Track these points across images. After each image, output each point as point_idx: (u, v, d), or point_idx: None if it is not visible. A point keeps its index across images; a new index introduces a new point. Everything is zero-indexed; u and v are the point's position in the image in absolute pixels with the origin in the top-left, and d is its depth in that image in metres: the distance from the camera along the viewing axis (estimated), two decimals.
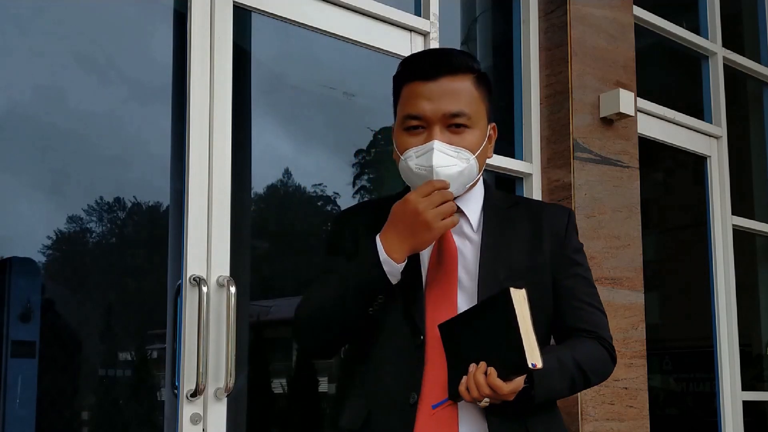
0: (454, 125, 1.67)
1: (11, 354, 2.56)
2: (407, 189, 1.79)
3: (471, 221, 1.74)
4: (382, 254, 1.60)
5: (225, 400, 2.47)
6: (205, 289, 2.42)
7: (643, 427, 3.41)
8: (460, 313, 1.64)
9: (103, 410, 2.79)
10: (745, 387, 4.30)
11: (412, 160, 1.67)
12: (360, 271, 1.63)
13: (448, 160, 1.65)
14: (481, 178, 1.80)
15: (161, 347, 2.76)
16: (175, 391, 2.46)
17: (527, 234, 1.75)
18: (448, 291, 1.68)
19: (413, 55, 1.78)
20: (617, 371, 3.35)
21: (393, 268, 1.60)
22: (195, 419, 2.41)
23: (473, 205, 1.76)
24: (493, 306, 1.55)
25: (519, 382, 1.54)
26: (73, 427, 2.75)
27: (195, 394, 2.38)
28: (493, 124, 1.78)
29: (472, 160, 1.68)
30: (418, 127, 1.68)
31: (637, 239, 3.55)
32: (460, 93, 1.68)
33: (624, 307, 3.43)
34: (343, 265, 1.71)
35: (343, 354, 1.90)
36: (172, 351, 2.59)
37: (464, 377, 1.55)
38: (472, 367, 1.54)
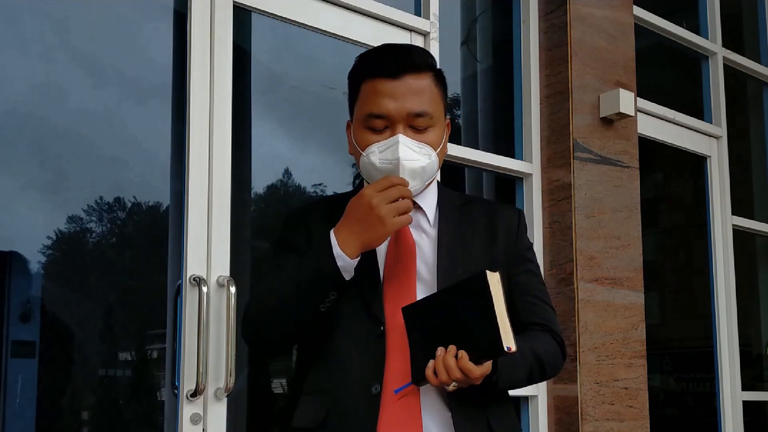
0: (416, 125, 1.68)
1: (11, 354, 2.56)
2: (361, 186, 1.80)
3: (428, 216, 1.76)
4: (336, 249, 1.58)
5: (225, 400, 2.47)
6: (205, 289, 2.42)
7: (643, 427, 3.41)
8: (426, 297, 1.63)
9: (103, 410, 2.79)
10: (745, 387, 4.30)
11: (375, 155, 1.67)
12: (313, 266, 1.61)
13: (413, 155, 1.66)
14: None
15: (161, 347, 2.76)
16: (175, 391, 2.46)
17: (483, 230, 1.78)
18: (407, 283, 1.69)
19: (372, 52, 1.76)
20: (618, 371, 3.36)
21: (346, 263, 1.59)
22: (195, 419, 2.41)
23: (429, 200, 1.78)
24: (466, 289, 1.53)
25: (488, 365, 1.54)
26: (73, 427, 2.75)
27: (195, 394, 2.38)
28: (448, 120, 1.80)
29: (434, 156, 1.70)
30: (382, 126, 1.68)
31: (637, 239, 3.55)
32: (423, 92, 1.69)
33: (624, 307, 3.43)
34: (294, 261, 1.69)
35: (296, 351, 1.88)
36: (172, 351, 2.59)
37: (431, 361, 1.53)
38: (440, 350, 1.53)
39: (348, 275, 1.60)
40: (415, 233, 1.73)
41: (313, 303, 1.61)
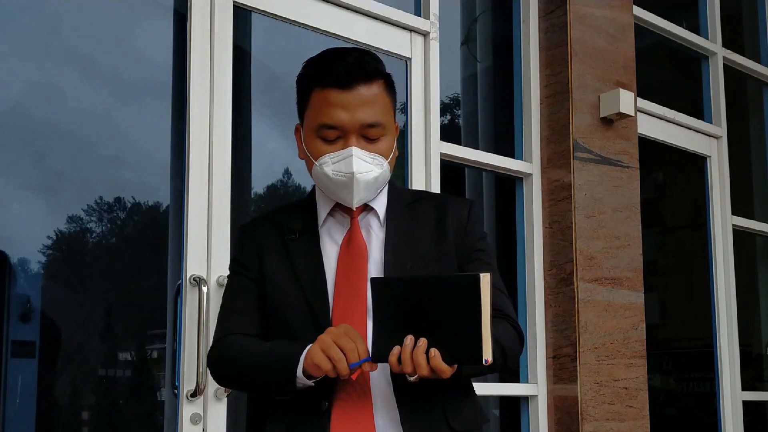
0: (369, 135, 1.69)
1: (11, 354, 2.55)
2: (313, 193, 1.82)
3: (379, 215, 1.77)
4: (299, 369, 1.58)
5: (225, 400, 2.47)
6: (205, 289, 2.42)
7: (643, 427, 3.41)
8: (403, 277, 1.61)
9: (103, 410, 2.79)
10: (745, 387, 4.31)
11: (328, 166, 1.68)
12: (274, 371, 1.62)
13: (366, 167, 1.68)
14: None
15: (161, 347, 2.76)
16: (175, 391, 2.46)
17: (432, 224, 1.78)
18: (359, 286, 1.69)
19: (320, 59, 1.74)
20: (618, 371, 3.36)
21: (306, 383, 1.60)
22: (195, 419, 2.41)
23: (380, 201, 1.79)
24: (455, 287, 1.46)
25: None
26: (73, 427, 2.75)
27: (195, 394, 2.38)
28: (397, 123, 1.81)
29: (386, 165, 1.72)
30: (334, 136, 1.69)
31: (637, 239, 3.55)
32: (375, 102, 1.69)
33: (624, 307, 3.43)
34: (246, 287, 1.76)
35: None
36: (172, 351, 2.59)
37: (397, 347, 1.50)
38: (409, 340, 1.48)
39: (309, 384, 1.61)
40: (365, 234, 1.75)
41: (273, 390, 1.66)
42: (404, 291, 1.53)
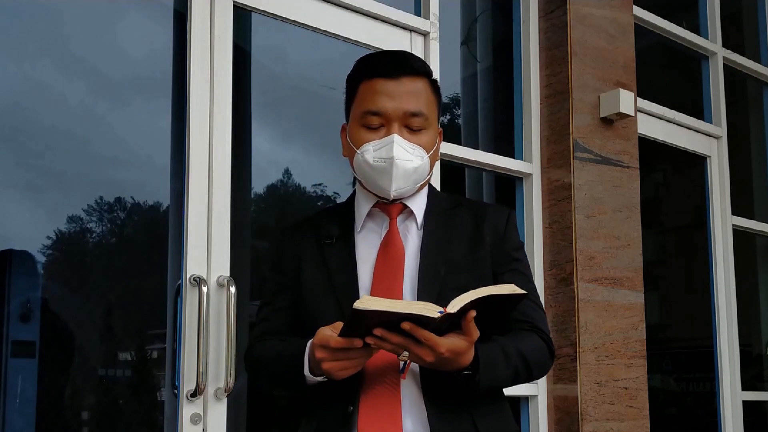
0: (411, 124, 1.72)
1: (11, 354, 2.55)
2: (353, 196, 1.83)
3: (417, 219, 1.78)
4: (306, 367, 1.60)
5: (225, 400, 2.47)
6: (205, 289, 2.42)
7: (643, 427, 3.41)
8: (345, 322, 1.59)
9: (103, 410, 2.79)
10: (745, 387, 4.30)
11: (369, 153, 1.70)
12: (287, 371, 1.63)
13: (406, 155, 1.70)
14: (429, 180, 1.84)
15: (161, 347, 2.76)
16: (175, 391, 2.46)
17: (468, 232, 1.78)
18: (394, 289, 1.69)
19: (370, 55, 1.82)
20: (618, 371, 3.36)
21: (315, 380, 1.61)
22: (195, 419, 2.41)
23: (419, 204, 1.80)
24: (361, 323, 1.47)
25: (458, 344, 1.49)
26: (73, 427, 2.75)
27: (195, 394, 2.38)
28: (440, 129, 1.84)
29: (426, 158, 1.73)
30: (378, 123, 1.71)
31: (637, 239, 3.55)
32: (419, 94, 1.73)
33: (624, 307, 3.43)
34: (281, 292, 1.79)
35: None
36: (172, 351, 2.59)
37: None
38: (380, 333, 1.49)
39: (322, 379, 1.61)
40: (403, 237, 1.76)
41: (290, 389, 1.69)
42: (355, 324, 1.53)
